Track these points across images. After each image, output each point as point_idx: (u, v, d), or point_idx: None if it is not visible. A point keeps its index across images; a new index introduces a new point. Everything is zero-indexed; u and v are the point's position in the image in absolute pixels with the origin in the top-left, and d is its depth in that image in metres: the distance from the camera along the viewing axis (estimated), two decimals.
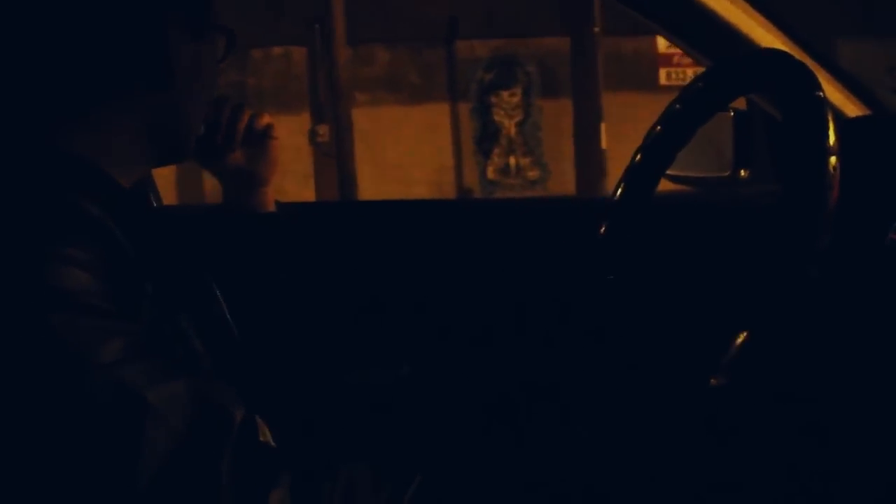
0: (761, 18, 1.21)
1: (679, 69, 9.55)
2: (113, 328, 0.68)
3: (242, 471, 0.69)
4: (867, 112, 1.22)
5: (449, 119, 9.55)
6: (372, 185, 8.80)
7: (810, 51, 1.22)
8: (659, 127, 1.04)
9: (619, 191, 1.06)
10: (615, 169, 9.35)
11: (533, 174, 9.65)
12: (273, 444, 0.83)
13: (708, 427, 0.83)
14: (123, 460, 0.66)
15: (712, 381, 0.74)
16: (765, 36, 1.21)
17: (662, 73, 9.59)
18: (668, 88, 9.49)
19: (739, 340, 0.75)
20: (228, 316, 0.97)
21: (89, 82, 0.78)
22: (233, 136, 1.09)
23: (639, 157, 1.05)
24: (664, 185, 1.16)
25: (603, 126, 9.20)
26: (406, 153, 9.28)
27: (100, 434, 0.65)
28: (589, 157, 9.28)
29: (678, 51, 9.37)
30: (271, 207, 1.14)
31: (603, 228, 1.06)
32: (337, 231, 1.34)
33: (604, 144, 9.23)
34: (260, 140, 1.11)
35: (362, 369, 1.17)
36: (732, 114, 1.27)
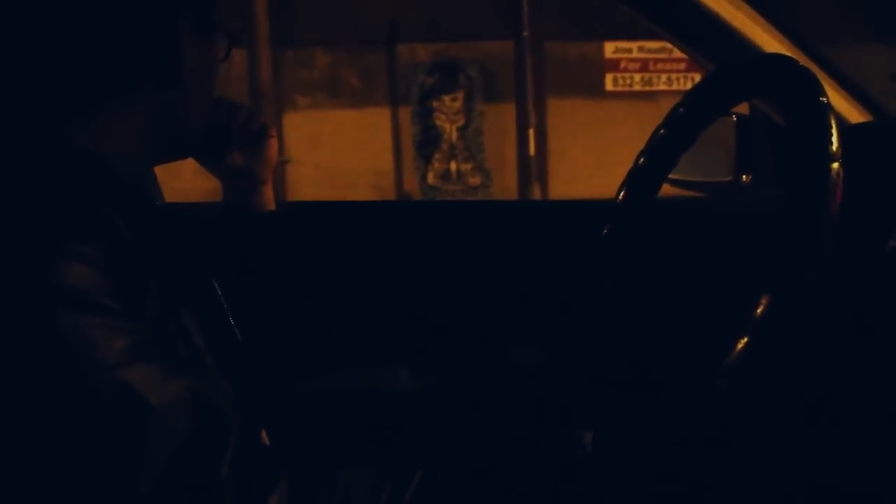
0: (765, 22, 1.22)
1: (626, 74, 9.59)
2: (118, 328, 0.67)
3: (242, 474, 0.70)
4: (870, 118, 1.22)
5: (389, 123, 9.51)
6: (311, 190, 8.76)
7: (813, 56, 1.22)
8: (662, 130, 1.04)
9: (622, 194, 1.06)
10: (559, 174, 9.47)
11: (474, 180, 9.65)
12: (272, 448, 0.83)
13: (710, 430, 0.83)
14: (126, 462, 0.66)
15: (715, 385, 0.74)
16: (768, 40, 1.21)
17: (609, 78, 9.59)
18: (614, 94, 9.56)
19: (741, 345, 0.75)
20: (229, 313, 0.97)
21: (100, 79, 0.78)
22: (230, 136, 1.09)
23: (642, 160, 1.06)
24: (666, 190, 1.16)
25: (531, 132, 9.27)
26: (346, 157, 9.22)
27: (103, 435, 0.65)
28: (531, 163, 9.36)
29: (625, 56, 9.56)
30: (271, 206, 1.14)
31: (605, 231, 1.06)
32: (338, 230, 1.34)
33: (532, 151, 9.29)
34: (257, 139, 1.11)
35: (361, 369, 1.17)
36: (735, 118, 1.27)
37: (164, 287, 0.74)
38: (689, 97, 1.02)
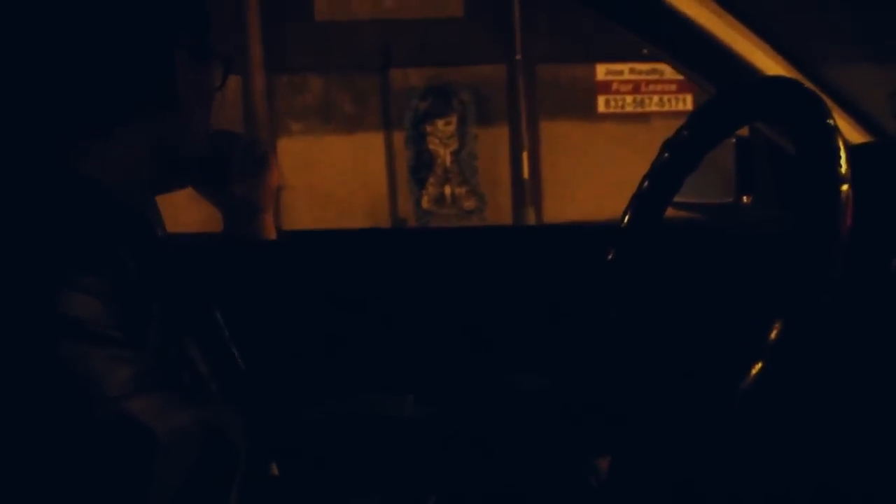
0: (763, 44, 1.22)
1: (618, 96, 9.67)
2: (122, 358, 0.67)
3: None
4: (871, 138, 1.22)
5: (383, 148, 9.55)
6: (305, 215, 8.78)
7: (812, 76, 1.23)
8: (666, 153, 1.03)
9: (627, 217, 1.06)
10: (553, 196, 9.50)
11: (469, 203, 9.68)
12: (280, 476, 0.82)
13: (727, 454, 0.82)
14: (133, 493, 0.65)
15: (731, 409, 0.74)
16: (766, 62, 1.22)
17: (601, 100, 9.67)
18: (606, 116, 9.64)
19: (756, 369, 0.74)
20: (231, 342, 0.96)
21: (98, 106, 0.78)
22: (229, 166, 1.09)
23: (646, 183, 1.05)
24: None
25: (524, 155, 9.32)
26: (340, 182, 9.25)
27: (109, 467, 0.64)
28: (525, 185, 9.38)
29: (616, 78, 9.64)
30: (272, 235, 1.14)
31: (610, 255, 1.06)
32: (339, 258, 1.33)
33: (526, 174, 9.34)
34: (257, 168, 1.11)
35: (366, 396, 1.16)
36: (735, 140, 1.27)
37: (167, 316, 0.74)
38: (694, 120, 1.02)
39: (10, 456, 0.64)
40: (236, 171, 1.11)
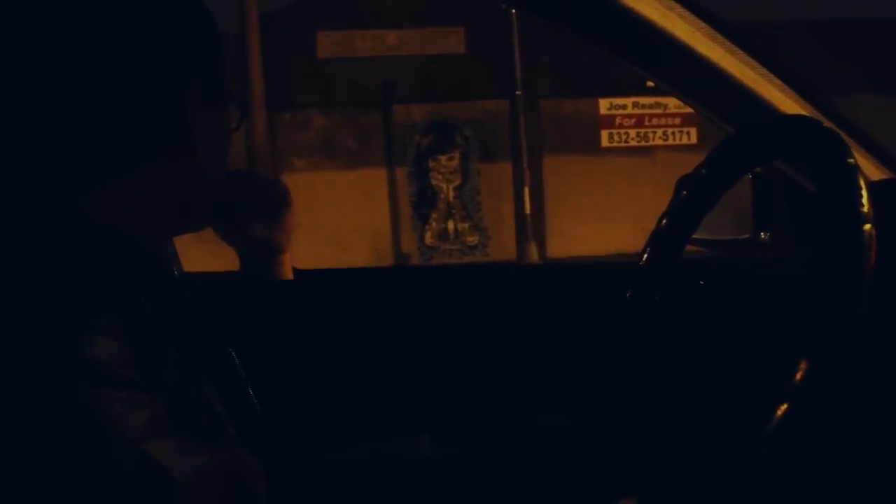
0: (777, 80, 1.22)
1: (621, 130, 9.72)
2: (139, 400, 0.66)
3: None
4: (888, 174, 1.22)
5: (386, 184, 9.60)
6: (308, 251, 8.80)
7: (828, 113, 1.22)
8: (685, 192, 1.03)
9: (646, 255, 1.05)
10: (556, 231, 9.51)
11: (472, 239, 9.70)
12: None
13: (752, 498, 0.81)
14: None
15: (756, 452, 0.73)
16: (781, 99, 1.22)
17: (604, 134, 9.73)
18: (610, 150, 9.70)
19: (781, 411, 0.73)
20: (247, 382, 0.96)
21: (112, 150, 0.78)
22: (248, 207, 1.09)
23: (665, 221, 1.05)
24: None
25: (526, 190, 9.34)
26: (342, 218, 9.30)
27: None
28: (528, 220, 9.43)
29: (620, 112, 9.66)
30: (289, 275, 1.13)
31: (629, 294, 1.05)
32: (356, 297, 1.33)
33: (528, 209, 9.36)
34: (277, 210, 1.11)
35: (383, 437, 1.15)
36: (751, 176, 1.27)
37: (184, 357, 0.73)
38: (712, 159, 1.01)
39: (30, 498, 0.63)
40: (256, 212, 1.11)
